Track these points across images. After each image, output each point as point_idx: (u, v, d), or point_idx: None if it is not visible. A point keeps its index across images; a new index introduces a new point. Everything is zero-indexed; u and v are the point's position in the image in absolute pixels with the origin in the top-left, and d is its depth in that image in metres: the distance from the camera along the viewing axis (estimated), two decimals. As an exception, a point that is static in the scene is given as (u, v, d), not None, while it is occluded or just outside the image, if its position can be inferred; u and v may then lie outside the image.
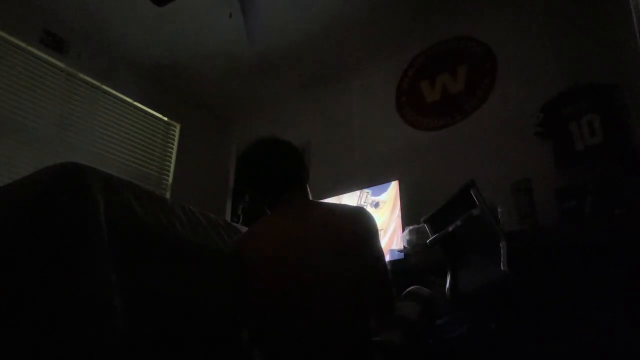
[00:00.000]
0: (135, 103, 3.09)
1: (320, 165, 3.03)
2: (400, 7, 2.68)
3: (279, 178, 1.20)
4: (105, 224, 0.82)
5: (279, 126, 3.38)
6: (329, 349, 1.00)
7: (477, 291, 1.52)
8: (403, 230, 2.18)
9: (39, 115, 2.51)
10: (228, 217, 3.34)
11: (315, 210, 1.18)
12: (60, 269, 0.72)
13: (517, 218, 1.84)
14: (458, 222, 1.54)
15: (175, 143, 3.35)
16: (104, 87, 2.90)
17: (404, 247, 2.11)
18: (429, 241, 1.73)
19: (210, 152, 3.63)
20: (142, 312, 0.86)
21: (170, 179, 3.24)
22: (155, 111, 3.23)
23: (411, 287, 1.38)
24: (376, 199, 2.46)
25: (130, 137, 3.01)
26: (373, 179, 2.57)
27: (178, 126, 3.39)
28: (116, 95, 2.98)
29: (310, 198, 1.25)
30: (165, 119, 3.31)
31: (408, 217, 2.25)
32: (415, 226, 2.07)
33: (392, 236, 2.29)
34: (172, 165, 3.28)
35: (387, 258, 1.99)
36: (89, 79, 2.82)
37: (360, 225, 1.12)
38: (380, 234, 2.06)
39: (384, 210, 2.40)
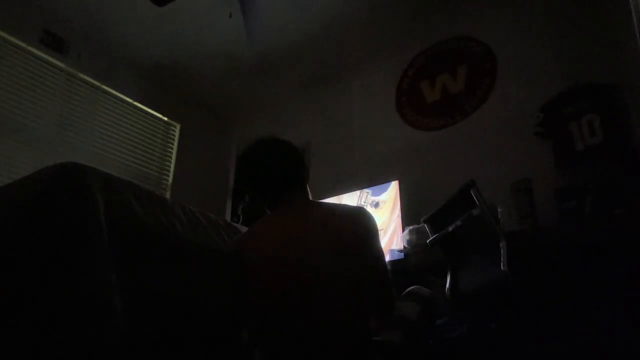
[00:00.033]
0: (135, 103, 3.09)
1: (320, 165, 3.03)
2: (400, 7, 2.68)
3: (279, 178, 1.19)
4: (105, 224, 0.82)
5: (279, 126, 3.38)
6: (329, 349, 1.00)
7: (477, 291, 1.52)
8: (403, 230, 2.18)
9: (39, 115, 2.51)
10: (228, 217, 3.34)
11: (315, 210, 1.18)
12: (60, 269, 0.73)
13: (517, 218, 1.84)
14: (458, 222, 1.54)
15: (175, 143, 3.35)
16: (104, 87, 2.90)
17: (404, 247, 2.11)
18: (429, 241, 1.73)
19: (210, 152, 3.63)
20: (142, 312, 0.86)
21: (170, 179, 3.24)
22: (155, 111, 3.23)
23: (411, 287, 1.38)
24: (376, 199, 2.46)
25: (130, 137, 3.01)
26: (373, 179, 2.57)
27: (178, 126, 3.39)
28: (116, 95, 2.98)
29: (310, 198, 1.25)
30: (165, 119, 3.31)
31: (408, 217, 2.25)
32: (415, 226, 2.07)
33: (392, 236, 2.29)
34: (172, 165, 3.28)
35: (387, 258, 1.99)
36: (89, 79, 2.82)
37: (360, 225, 1.12)
38: (380, 234, 2.06)
39: (384, 210, 2.40)
